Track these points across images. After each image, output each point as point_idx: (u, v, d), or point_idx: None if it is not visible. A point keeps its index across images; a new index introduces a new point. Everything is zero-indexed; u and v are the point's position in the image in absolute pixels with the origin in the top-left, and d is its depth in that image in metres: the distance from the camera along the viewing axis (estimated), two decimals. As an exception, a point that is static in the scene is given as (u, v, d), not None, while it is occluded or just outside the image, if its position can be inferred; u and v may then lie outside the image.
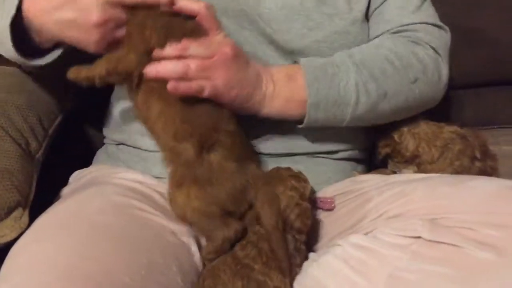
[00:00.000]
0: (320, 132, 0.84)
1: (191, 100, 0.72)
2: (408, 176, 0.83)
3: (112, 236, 0.66)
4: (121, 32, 0.72)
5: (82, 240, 0.64)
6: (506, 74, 1.25)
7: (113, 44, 0.73)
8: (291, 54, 0.82)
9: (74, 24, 0.71)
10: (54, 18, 0.72)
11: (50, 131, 0.87)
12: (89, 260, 0.61)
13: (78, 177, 0.87)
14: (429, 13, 0.90)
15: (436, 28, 0.89)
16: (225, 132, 0.74)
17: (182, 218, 0.74)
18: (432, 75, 0.86)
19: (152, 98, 0.73)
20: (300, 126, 0.81)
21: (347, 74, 0.79)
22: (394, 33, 0.86)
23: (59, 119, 0.90)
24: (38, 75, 0.86)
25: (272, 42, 0.82)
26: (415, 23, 0.87)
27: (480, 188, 0.69)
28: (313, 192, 0.79)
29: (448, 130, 0.89)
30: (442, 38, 0.89)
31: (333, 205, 0.81)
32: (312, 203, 0.77)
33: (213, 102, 0.73)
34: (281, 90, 0.77)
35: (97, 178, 0.83)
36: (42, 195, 0.80)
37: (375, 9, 0.88)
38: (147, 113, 0.74)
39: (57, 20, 0.71)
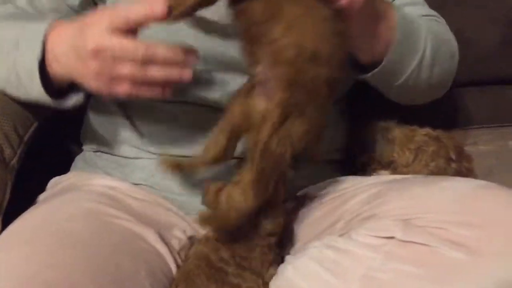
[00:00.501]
0: None
1: (329, 21, 0.64)
2: (384, 178, 0.83)
3: (80, 243, 0.65)
4: (121, 70, 0.65)
5: (48, 248, 0.63)
6: (483, 74, 1.27)
7: (113, 85, 0.66)
8: None
9: (75, 51, 0.68)
10: (65, 48, 0.70)
11: (25, 138, 0.86)
12: (52, 268, 0.60)
13: (55, 183, 0.87)
14: (430, 9, 0.94)
15: (442, 22, 0.93)
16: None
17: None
18: (455, 60, 0.89)
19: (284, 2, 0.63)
20: (364, 76, 0.80)
21: (418, 23, 0.82)
22: None
23: (34, 125, 0.89)
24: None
25: None
26: (427, 15, 0.90)
27: (453, 189, 0.70)
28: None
29: (421, 133, 0.91)
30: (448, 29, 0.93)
31: None
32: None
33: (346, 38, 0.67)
34: (380, 24, 0.76)
35: (73, 184, 0.83)
36: (20, 202, 0.79)
37: None
38: (269, 24, 0.63)
39: (67, 49, 0.69)
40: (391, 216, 0.68)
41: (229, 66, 0.77)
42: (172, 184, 0.81)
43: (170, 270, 0.73)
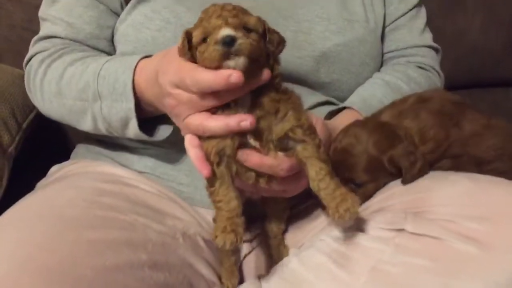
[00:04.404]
0: None
1: None
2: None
3: (78, 228, 0.64)
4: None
5: (45, 232, 0.62)
6: (487, 77, 1.27)
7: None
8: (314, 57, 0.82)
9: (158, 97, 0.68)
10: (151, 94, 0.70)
11: (24, 125, 0.85)
12: (48, 251, 0.59)
13: (55, 171, 0.85)
14: (429, 36, 0.97)
15: (434, 51, 0.97)
16: None
17: None
18: None
19: None
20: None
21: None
22: (403, 56, 0.93)
23: (33, 113, 0.88)
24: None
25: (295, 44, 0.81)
26: (420, 46, 0.94)
27: (461, 182, 0.69)
28: None
29: None
30: (438, 59, 0.97)
31: None
32: None
33: None
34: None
35: (74, 171, 0.81)
36: (19, 192, 0.77)
37: (387, 26, 0.93)
38: None
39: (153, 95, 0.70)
40: (401, 209, 0.67)
41: None
42: (179, 174, 0.79)
43: (171, 259, 0.70)
